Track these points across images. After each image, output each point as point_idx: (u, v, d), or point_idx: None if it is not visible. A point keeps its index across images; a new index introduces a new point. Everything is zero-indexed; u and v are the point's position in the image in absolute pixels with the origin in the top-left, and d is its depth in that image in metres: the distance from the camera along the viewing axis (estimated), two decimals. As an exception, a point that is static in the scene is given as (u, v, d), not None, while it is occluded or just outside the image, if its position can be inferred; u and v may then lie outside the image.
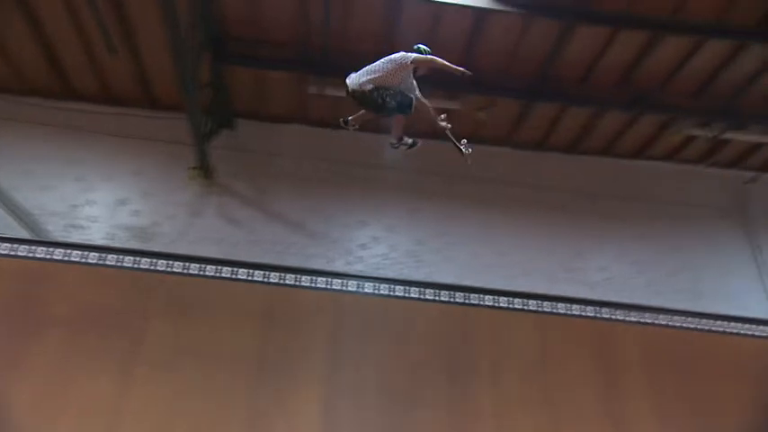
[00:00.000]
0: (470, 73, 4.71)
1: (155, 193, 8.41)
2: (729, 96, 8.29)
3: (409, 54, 4.77)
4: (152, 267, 6.39)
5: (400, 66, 4.73)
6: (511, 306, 6.76)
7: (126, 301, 6.14)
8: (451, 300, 6.71)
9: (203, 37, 7.44)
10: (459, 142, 5.10)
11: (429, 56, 4.82)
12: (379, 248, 8.40)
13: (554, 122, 9.04)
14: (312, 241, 8.32)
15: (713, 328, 7.04)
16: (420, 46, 4.89)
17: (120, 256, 6.42)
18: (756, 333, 7.09)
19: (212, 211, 8.41)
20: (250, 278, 6.54)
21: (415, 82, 4.88)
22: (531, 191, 9.10)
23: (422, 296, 6.66)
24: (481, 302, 6.72)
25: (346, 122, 5.15)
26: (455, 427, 5.89)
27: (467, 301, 6.69)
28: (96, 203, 8.20)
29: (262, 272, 6.62)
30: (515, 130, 9.14)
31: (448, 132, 5.11)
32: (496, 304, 6.73)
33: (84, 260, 6.34)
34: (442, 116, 5.10)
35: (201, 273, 6.54)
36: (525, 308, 6.79)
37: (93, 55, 8.14)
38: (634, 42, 7.65)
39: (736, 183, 9.68)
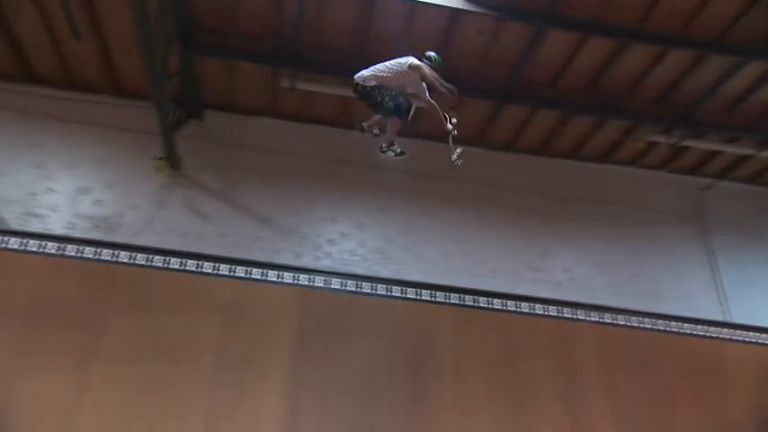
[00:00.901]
0: (456, 90, 4.87)
1: (119, 182, 8.18)
2: (690, 105, 8.60)
3: (410, 59, 4.92)
4: (114, 259, 6.25)
5: (402, 68, 4.85)
6: (476, 305, 6.87)
7: (86, 294, 5.99)
8: (418, 297, 6.78)
9: (173, 25, 7.27)
10: (456, 148, 5.21)
11: (421, 63, 4.98)
12: (347, 245, 8.39)
13: (524, 124, 9.19)
14: (280, 236, 8.25)
15: (669, 329, 7.32)
16: (431, 54, 5.00)
17: (81, 247, 6.25)
18: (708, 334, 7.42)
19: (178, 202, 8.24)
20: (216, 272, 6.47)
21: (425, 85, 4.98)
22: (501, 191, 9.23)
23: (389, 293, 6.71)
24: (447, 300, 6.81)
25: (363, 129, 5.25)
26: (419, 424, 5.96)
27: (433, 299, 6.77)
28: (56, 192, 7.93)
29: (228, 265, 6.56)
30: (486, 131, 9.26)
31: (451, 135, 5.22)
32: (462, 302, 6.84)
33: (41, 250, 6.16)
34: (453, 120, 5.23)
35: (166, 265, 6.43)
36: (490, 306, 6.91)
37: (57, 38, 7.85)
38: (602, 49, 7.85)
39: (693, 189, 10.03)
